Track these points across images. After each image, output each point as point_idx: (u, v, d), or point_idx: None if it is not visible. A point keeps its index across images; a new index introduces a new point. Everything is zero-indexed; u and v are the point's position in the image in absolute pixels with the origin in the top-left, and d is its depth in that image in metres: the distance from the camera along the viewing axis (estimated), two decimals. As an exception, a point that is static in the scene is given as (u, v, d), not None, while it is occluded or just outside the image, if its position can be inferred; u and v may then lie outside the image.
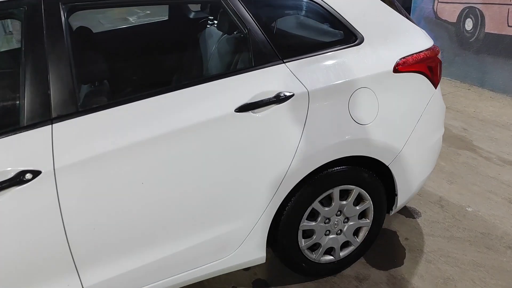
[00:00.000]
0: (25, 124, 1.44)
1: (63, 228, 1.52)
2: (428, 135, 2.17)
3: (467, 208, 2.72)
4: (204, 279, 1.90)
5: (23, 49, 1.46)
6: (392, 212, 2.25)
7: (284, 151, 1.78)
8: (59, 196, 1.48)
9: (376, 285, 2.14)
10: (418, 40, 2.10)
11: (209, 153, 1.67)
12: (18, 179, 1.41)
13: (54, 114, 1.47)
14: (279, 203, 1.87)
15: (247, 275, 2.23)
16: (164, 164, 1.60)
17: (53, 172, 1.45)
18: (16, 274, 1.52)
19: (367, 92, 1.88)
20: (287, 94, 1.73)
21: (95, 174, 1.51)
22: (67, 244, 1.55)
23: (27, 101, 1.44)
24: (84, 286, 1.64)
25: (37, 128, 1.45)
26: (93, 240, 1.59)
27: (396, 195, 2.18)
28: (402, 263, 2.28)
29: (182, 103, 1.63)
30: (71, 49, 1.51)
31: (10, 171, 1.41)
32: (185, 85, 1.65)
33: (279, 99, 1.72)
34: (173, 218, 1.70)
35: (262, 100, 1.70)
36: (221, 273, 1.93)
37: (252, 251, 1.94)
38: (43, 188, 1.45)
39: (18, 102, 1.48)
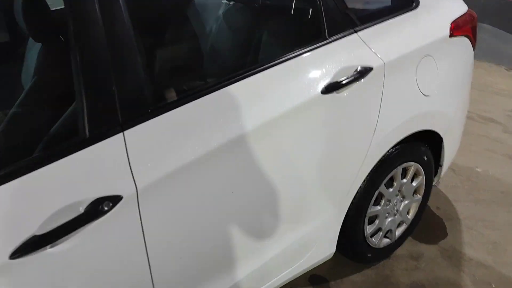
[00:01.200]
0: (88, 136, 1.05)
1: (147, 264, 1.18)
2: (466, 101, 2.11)
3: (476, 169, 2.76)
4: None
5: (72, 28, 1.05)
6: (433, 184, 2.17)
7: (364, 132, 1.58)
8: (142, 224, 1.13)
9: (433, 261, 2.06)
10: (458, 1, 1.98)
11: (295, 145, 1.41)
12: (94, 211, 1.04)
13: (122, 118, 1.10)
14: (356, 191, 1.68)
15: (300, 273, 2.01)
16: (254, 165, 1.31)
17: (136, 195, 1.09)
18: None
19: (430, 61, 1.73)
20: (367, 68, 1.51)
21: (182, 189, 1.18)
22: (151, 282, 1.21)
23: (86, 105, 1.05)
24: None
25: (105, 139, 1.07)
26: (176, 271, 1.27)
27: (440, 166, 2.10)
28: (447, 234, 2.23)
29: (265, 89, 1.33)
30: (130, 24, 1.13)
31: (82, 202, 1.03)
32: (261, 68, 1.35)
33: (359, 75, 1.49)
34: (259, 227, 1.43)
35: (344, 78, 1.46)
36: (291, 279, 1.70)
37: (325, 248, 1.73)
38: (125, 217, 1.09)
39: (73, 107, 1.08)
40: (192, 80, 1.34)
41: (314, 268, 1.75)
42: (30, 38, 1.63)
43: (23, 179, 0.97)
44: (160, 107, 1.16)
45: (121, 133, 1.09)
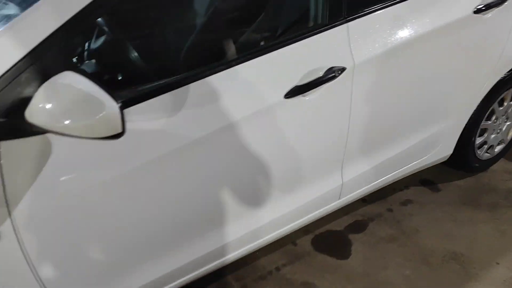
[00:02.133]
0: (327, 23, 1.48)
1: (348, 124, 1.62)
2: None
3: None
4: (402, 177, 2.09)
5: None
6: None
7: (494, 51, 1.95)
8: (352, 91, 1.56)
9: (525, 176, 2.45)
10: None
11: (444, 55, 1.80)
12: (329, 76, 1.48)
13: (345, 13, 1.52)
14: (477, 104, 2.07)
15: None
16: (418, 63, 1.72)
17: (353, 69, 1.52)
18: (289, 171, 1.61)
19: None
20: (503, -2, 1.87)
21: (380, 70, 1.60)
22: (346, 139, 1.66)
23: (329, 5, 1.47)
24: (343, 181, 1.78)
25: (336, 27, 1.50)
26: (364, 135, 1.71)
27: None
28: (535, 158, 2.60)
29: (425, 6, 1.72)
30: None
31: (321, 68, 1.47)
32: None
33: (500, 1, 1.85)
34: (410, 114, 1.85)
35: (489, 2, 1.83)
36: (417, 170, 2.13)
37: (446, 148, 2.14)
38: (344, 84, 1.53)
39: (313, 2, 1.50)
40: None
41: (423, 172, 2.19)
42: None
43: (293, 46, 1.42)
44: (370, 9, 1.57)
45: (346, 24, 1.51)
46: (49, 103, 0.96)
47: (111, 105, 0.94)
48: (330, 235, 2.09)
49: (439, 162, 2.20)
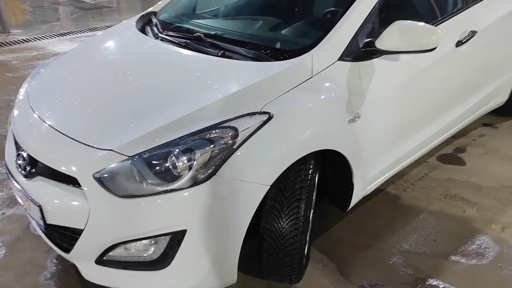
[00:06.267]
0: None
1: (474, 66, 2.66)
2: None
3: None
4: (471, 122, 3.13)
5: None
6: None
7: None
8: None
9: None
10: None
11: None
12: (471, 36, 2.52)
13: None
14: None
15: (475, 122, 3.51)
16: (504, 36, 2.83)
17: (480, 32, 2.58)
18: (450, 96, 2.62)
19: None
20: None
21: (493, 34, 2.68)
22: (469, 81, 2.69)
23: None
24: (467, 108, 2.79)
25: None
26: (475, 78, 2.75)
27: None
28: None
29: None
30: None
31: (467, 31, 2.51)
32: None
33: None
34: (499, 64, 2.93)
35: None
36: (488, 111, 3.20)
37: (505, 95, 3.23)
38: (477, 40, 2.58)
39: None
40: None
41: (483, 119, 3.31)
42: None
43: (458, 16, 2.46)
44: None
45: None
46: (398, 35, 1.89)
47: (437, 30, 1.90)
48: (446, 156, 3.08)
49: (498, 106, 3.29)
